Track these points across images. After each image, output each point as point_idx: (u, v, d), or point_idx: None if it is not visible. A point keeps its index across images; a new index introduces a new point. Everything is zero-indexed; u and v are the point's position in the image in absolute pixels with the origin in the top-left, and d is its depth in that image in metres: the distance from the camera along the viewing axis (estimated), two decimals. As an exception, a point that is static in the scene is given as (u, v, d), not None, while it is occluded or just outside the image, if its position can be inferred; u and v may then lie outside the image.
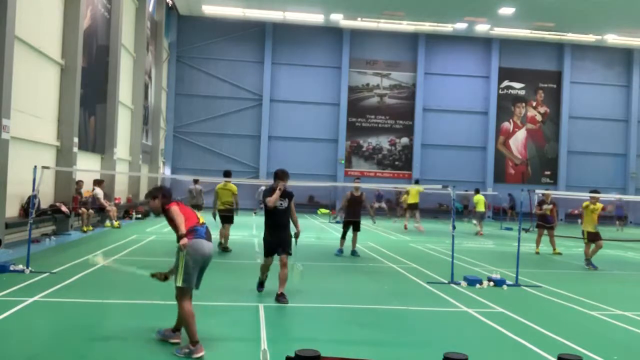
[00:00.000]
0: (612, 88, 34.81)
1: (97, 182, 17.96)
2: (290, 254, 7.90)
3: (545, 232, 15.80)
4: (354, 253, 13.16)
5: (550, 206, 15.71)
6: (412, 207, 21.56)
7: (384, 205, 28.99)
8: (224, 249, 13.07)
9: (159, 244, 14.51)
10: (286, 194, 7.89)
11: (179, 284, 5.40)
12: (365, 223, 24.86)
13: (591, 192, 13.18)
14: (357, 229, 13.41)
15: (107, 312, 7.13)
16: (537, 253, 15.30)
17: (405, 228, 21.88)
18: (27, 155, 13.69)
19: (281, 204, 7.85)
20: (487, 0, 27.51)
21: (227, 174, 13.69)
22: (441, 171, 32.71)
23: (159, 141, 29.78)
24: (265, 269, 8.20)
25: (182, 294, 5.44)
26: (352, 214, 13.42)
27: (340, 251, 13.31)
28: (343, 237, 13.55)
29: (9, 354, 5.23)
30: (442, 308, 7.95)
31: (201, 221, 5.64)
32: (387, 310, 7.75)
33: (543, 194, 15.93)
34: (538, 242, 15.79)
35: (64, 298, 7.59)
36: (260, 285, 8.32)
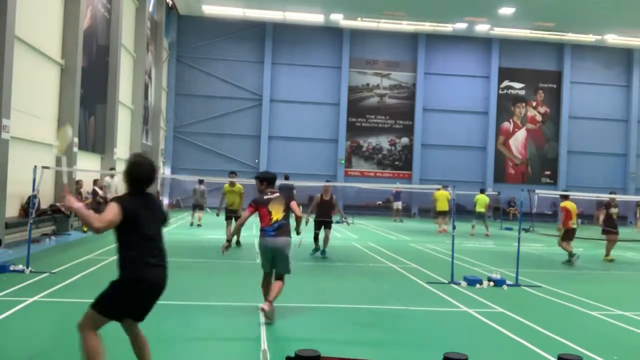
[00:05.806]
0: (612, 88, 34.78)
1: (94, 182, 18.02)
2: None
3: (605, 236, 14.43)
4: (323, 253, 12.71)
5: (617, 209, 14.48)
6: (442, 213, 20.97)
7: (400, 206, 27.99)
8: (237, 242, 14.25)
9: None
10: None
11: None
12: (366, 223, 24.72)
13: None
14: (328, 227, 13.00)
15: (107, 312, 7.12)
16: (611, 260, 13.98)
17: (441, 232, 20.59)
18: (27, 155, 13.69)
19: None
20: (487, 0, 27.50)
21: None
22: (441, 171, 32.65)
23: (159, 141, 29.76)
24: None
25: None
26: (322, 214, 13.01)
27: (316, 249, 12.88)
28: (316, 238, 12.90)
29: (9, 354, 5.23)
30: (442, 308, 7.95)
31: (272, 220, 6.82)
32: (387, 310, 7.74)
33: (610, 198, 14.28)
34: (609, 249, 14.23)
35: (64, 298, 7.58)
36: None
